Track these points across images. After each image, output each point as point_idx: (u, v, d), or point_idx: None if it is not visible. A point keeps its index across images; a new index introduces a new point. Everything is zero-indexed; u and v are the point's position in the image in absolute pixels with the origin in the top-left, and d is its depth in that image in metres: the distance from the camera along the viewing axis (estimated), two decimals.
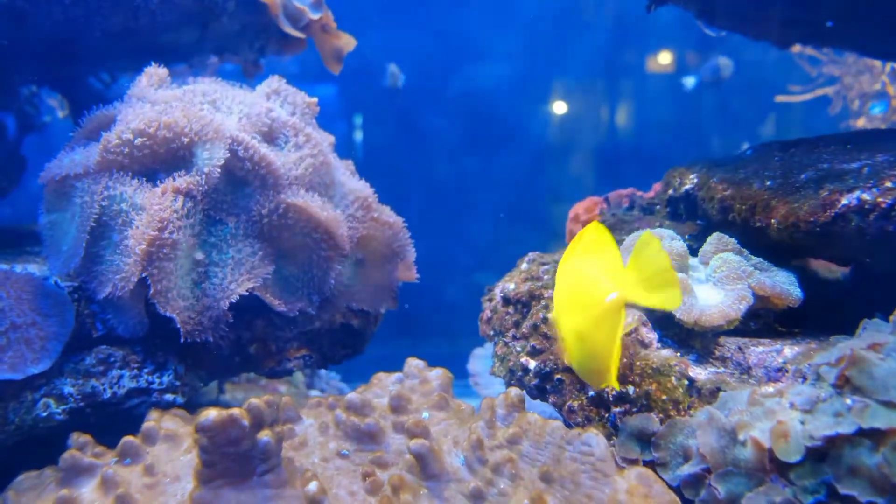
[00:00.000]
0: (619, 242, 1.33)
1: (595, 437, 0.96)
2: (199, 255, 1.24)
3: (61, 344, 1.19)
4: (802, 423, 0.85)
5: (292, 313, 1.34)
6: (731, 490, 0.88)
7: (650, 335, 1.15)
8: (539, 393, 1.27)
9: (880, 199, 1.02)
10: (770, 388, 0.95)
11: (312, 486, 0.89)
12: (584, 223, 2.00)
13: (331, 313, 1.46)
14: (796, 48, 3.45)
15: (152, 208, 1.18)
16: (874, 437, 0.80)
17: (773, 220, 1.16)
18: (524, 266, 1.55)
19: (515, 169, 4.41)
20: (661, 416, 1.04)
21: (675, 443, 0.98)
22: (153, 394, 1.26)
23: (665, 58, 4.36)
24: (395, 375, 1.18)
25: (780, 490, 0.84)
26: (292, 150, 1.37)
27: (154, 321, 1.24)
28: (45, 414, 1.18)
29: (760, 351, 1.05)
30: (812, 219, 1.08)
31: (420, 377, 1.15)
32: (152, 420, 1.11)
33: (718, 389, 1.02)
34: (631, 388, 1.09)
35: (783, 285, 1.11)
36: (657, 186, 1.98)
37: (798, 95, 3.61)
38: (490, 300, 1.54)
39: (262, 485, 0.88)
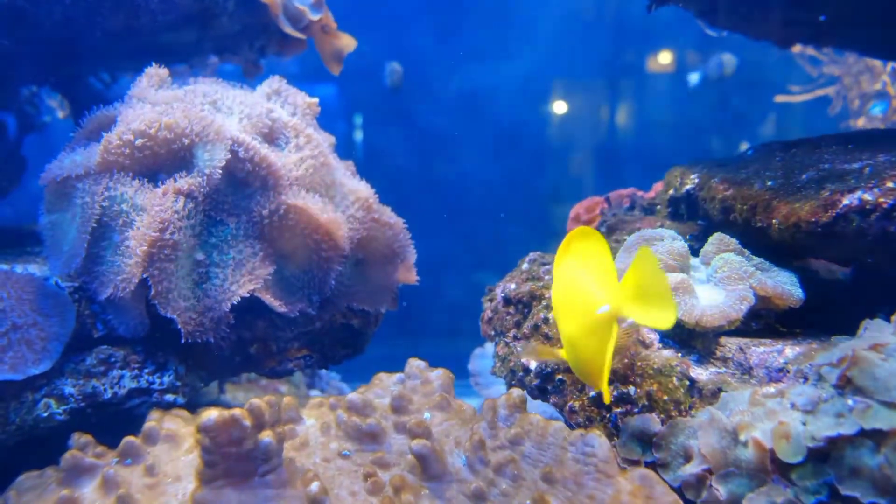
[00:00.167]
0: (620, 242, 1.34)
1: (598, 439, 0.96)
2: (200, 256, 1.24)
3: (62, 344, 1.19)
4: (804, 423, 0.85)
5: (293, 314, 1.34)
6: (733, 491, 0.88)
7: (651, 335, 1.15)
8: (540, 393, 1.27)
9: (882, 200, 1.01)
10: (771, 389, 0.95)
11: (314, 486, 0.89)
12: (585, 223, 2.00)
13: (331, 313, 1.46)
14: (797, 48, 3.45)
15: (153, 209, 1.18)
16: (876, 437, 0.80)
17: (774, 221, 1.16)
18: (525, 266, 1.55)
19: (516, 169, 4.41)
20: (662, 416, 1.04)
21: (676, 443, 0.98)
22: (154, 394, 1.26)
23: (665, 57, 4.37)
24: (397, 376, 1.18)
25: (782, 491, 0.84)
26: (293, 151, 1.37)
27: (155, 321, 1.24)
28: (45, 414, 1.18)
29: (762, 351, 1.05)
30: (813, 219, 1.08)
31: (421, 378, 1.15)
32: (153, 420, 1.11)
33: (720, 390, 1.01)
34: (632, 389, 1.09)
35: (785, 286, 1.11)
36: (658, 186, 1.98)
37: (798, 95, 3.61)
38: (491, 300, 1.54)
39: (263, 485, 0.88)
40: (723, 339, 1.10)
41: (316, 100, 1.53)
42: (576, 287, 0.98)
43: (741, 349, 1.07)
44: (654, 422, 1.03)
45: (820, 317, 1.13)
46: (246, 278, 1.26)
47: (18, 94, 2.15)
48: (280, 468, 0.89)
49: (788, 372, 1.00)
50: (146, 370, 1.26)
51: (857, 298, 1.23)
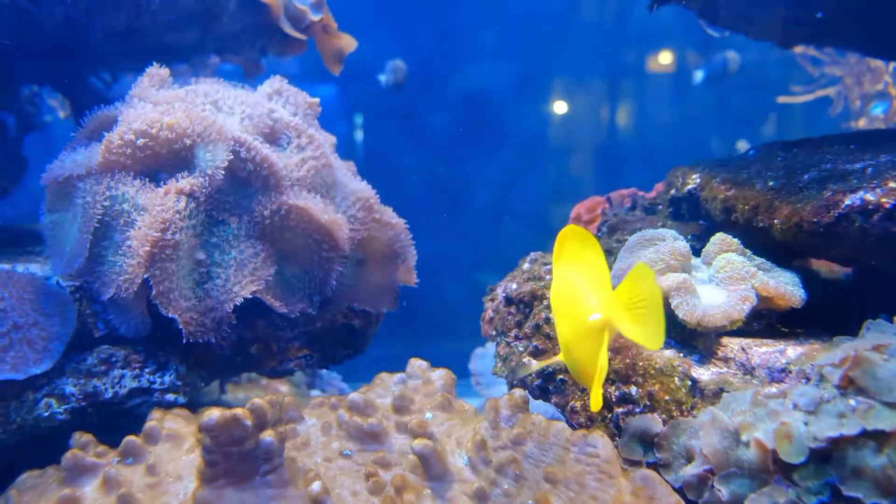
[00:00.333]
0: (622, 242, 1.33)
1: (600, 439, 0.96)
2: (202, 256, 1.24)
3: (63, 344, 1.19)
4: (806, 424, 0.85)
5: (293, 314, 1.34)
6: (735, 491, 0.87)
7: None
8: (542, 393, 1.27)
9: (884, 200, 1.01)
10: (773, 389, 0.95)
11: (315, 486, 0.88)
12: (587, 223, 2.00)
13: (332, 313, 1.46)
14: (798, 48, 3.45)
15: (155, 209, 1.18)
16: (878, 438, 0.80)
17: (775, 221, 1.16)
18: (526, 266, 1.55)
19: (517, 168, 4.41)
20: (664, 416, 1.04)
21: (678, 444, 0.98)
22: (155, 393, 1.25)
23: (666, 57, 4.36)
24: (398, 376, 1.18)
25: (784, 491, 0.84)
26: (295, 152, 1.37)
27: (156, 321, 1.24)
28: (46, 413, 1.18)
29: (763, 351, 1.05)
30: (815, 219, 1.08)
31: (423, 378, 1.15)
32: (154, 420, 1.11)
33: (721, 390, 1.01)
34: (634, 389, 1.09)
35: (787, 286, 1.11)
36: (659, 186, 1.98)
37: (800, 96, 3.61)
38: (492, 300, 1.54)
39: (264, 485, 0.88)
40: (724, 340, 1.10)
41: (317, 99, 1.53)
42: (571, 291, 0.98)
43: (743, 349, 1.07)
44: (655, 422, 1.03)
45: (822, 317, 1.13)
46: (248, 279, 1.26)
47: (19, 93, 2.15)
48: (281, 468, 0.89)
49: (790, 372, 1.00)
50: (147, 370, 1.26)
51: (859, 299, 1.23)
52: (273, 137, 1.38)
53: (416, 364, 1.18)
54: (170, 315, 1.18)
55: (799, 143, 1.43)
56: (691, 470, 0.93)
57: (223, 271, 1.25)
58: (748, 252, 1.19)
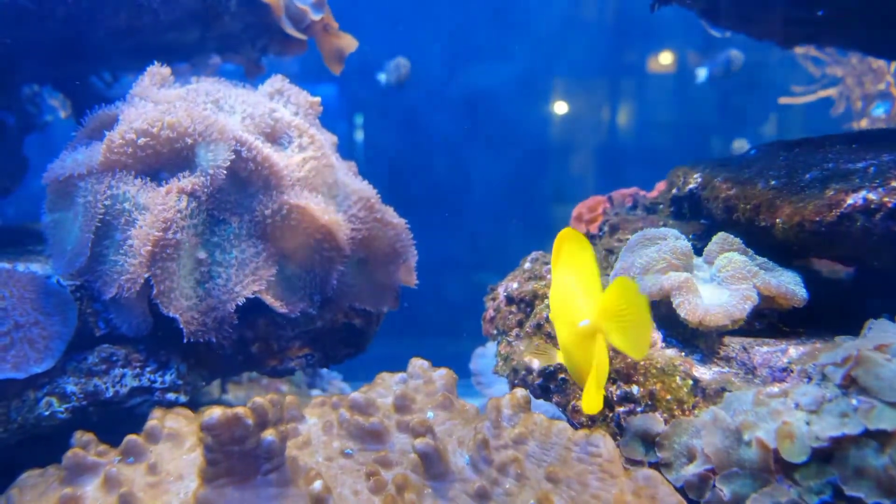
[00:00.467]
0: (623, 242, 1.33)
1: (602, 438, 0.96)
2: (203, 255, 1.24)
3: (64, 343, 1.19)
4: (808, 423, 0.85)
5: (294, 314, 1.33)
6: (736, 491, 0.87)
7: (654, 335, 1.15)
8: (543, 392, 1.27)
9: (886, 199, 1.01)
10: (775, 389, 0.95)
11: (317, 484, 0.88)
12: (588, 222, 2.00)
13: (333, 313, 1.46)
14: (800, 48, 3.44)
15: (156, 208, 1.18)
16: (881, 438, 0.80)
17: (777, 220, 1.15)
18: (527, 265, 1.55)
19: (518, 168, 4.41)
20: (665, 416, 1.04)
21: (679, 443, 0.98)
22: (155, 393, 1.25)
23: (667, 57, 4.36)
24: (399, 375, 1.18)
25: (786, 491, 0.84)
26: (296, 152, 1.37)
27: (157, 320, 1.24)
28: (47, 413, 1.18)
29: (765, 351, 1.05)
30: (817, 218, 1.08)
31: (424, 377, 1.15)
32: (155, 419, 1.11)
33: (723, 389, 1.01)
34: (635, 388, 1.09)
35: (789, 285, 1.11)
36: (660, 186, 1.97)
37: (801, 97, 3.61)
38: (493, 299, 1.54)
39: (266, 483, 0.88)
40: (726, 339, 1.10)
41: (318, 99, 1.53)
42: (566, 294, 0.99)
43: (745, 349, 1.07)
44: (657, 421, 1.03)
45: (824, 317, 1.13)
46: (249, 279, 1.26)
47: (20, 93, 2.14)
48: (283, 467, 0.89)
49: (792, 372, 1.00)
50: (148, 369, 1.26)
51: (861, 298, 1.23)
52: (274, 137, 1.38)
53: (418, 363, 1.18)
54: (171, 314, 1.18)
55: (800, 143, 1.43)
56: (693, 469, 0.93)
57: (224, 271, 1.25)
58: (750, 251, 1.19)
